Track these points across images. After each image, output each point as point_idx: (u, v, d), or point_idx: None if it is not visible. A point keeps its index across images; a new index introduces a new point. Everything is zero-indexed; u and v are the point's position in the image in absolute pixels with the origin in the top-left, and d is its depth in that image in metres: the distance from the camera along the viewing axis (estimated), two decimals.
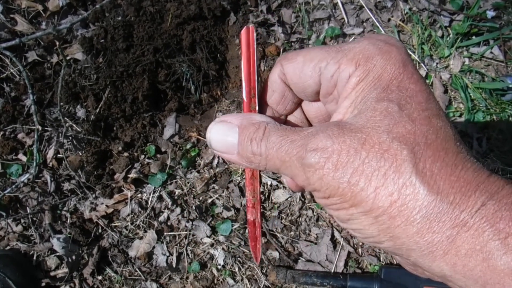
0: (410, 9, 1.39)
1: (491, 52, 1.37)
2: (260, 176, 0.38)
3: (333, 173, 0.28)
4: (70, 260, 1.25)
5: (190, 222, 1.28)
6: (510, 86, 1.29)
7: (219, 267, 1.26)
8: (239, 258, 1.26)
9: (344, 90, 0.32)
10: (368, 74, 0.30)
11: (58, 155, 1.31)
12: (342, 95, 0.32)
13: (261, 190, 1.30)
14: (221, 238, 1.26)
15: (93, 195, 1.29)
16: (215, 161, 1.32)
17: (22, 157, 1.31)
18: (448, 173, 0.26)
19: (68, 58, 1.33)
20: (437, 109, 0.29)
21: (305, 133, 0.30)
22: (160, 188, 1.30)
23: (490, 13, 1.36)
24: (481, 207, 0.24)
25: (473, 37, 1.37)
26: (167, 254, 1.26)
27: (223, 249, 1.26)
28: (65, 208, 1.29)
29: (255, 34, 0.35)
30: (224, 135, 0.34)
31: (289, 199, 1.30)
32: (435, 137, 0.27)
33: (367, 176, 0.27)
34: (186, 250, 1.27)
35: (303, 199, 1.30)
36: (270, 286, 1.24)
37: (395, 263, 1.24)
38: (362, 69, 0.31)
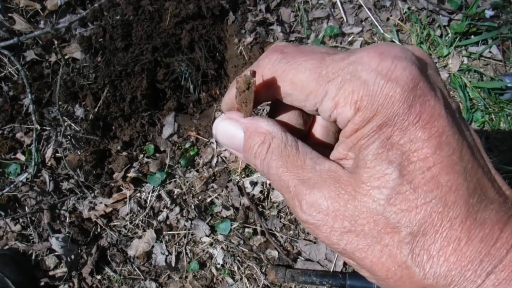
0: (409, 8, 1.39)
1: (490, 52, 1.37)
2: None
3: (328, 238, 0.27)
4: (69, 259, 1.24)
5: (189, 221, 1.28)
6: (509, 85, 1.30)
7: (218, 266, 1.26)
8: (238, 257, 1.26)
9: (344, 131, 0.29)
10: (368, 123, 0.26)
11: (57, 154, 1.30)
12: (342, 134, 0.29)
13: (260, 189, 1.30)
14: (220, 237, 1.27)
15: (92, 195, 1.29)
16: (214, 160, 1.32)
17: (21, 157, 1.30)
18: (448, 253, 0.24)
19: (66, 57, 1.33)
20: (449, 155, 0.25)
21: (304, 178, 0.28)
22: (159, 187, 1.30)
23: (489, 13, 1.36)
24: (480, 285, 0.24)
25: (472, 37, 1.38)
26: (166, 253, 1.26)
27: (222, 248, 1.26)
28: (64, 208, 1.29)
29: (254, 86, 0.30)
30: (230, 135, 0.32)
31: None
32: (442, 207, 0.25)
33: (363, 249, 0.26)
34: (185, 249, 1.27)
35: None
36: (269, 285, 1.24)
37: None
38: (361, 116, 0.26)
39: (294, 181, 0.29)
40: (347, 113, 0.27)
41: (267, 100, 0.34)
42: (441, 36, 1.38)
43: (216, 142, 0.36)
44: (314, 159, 0.29)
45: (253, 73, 0.31)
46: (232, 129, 0.32)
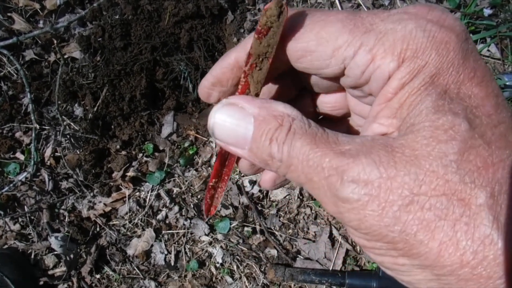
0: None
1: (488, 50, 1.37)
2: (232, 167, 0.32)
3: (379, 217, 0.21)
4: (68, 258, 1.24)
5: (188, 220, 1.28)
6: (507, 83, 1.30)
7: (218, 265, 1.26)
8: (237, 256, 1.26)
9: (383, 93, 0.24)
10: (418, 74, 0.22)
11: (56, 153, 1.31)
12: (380, 99, 0.24)
13: (259, 188, 1.30)
14: (219, 236, 1.27)
15: (91, 194, 1.29)
16: (213, 159, 1.32)
17: (20, 156, 1.31)
18: None
19: (65, 56, 1.33)
20: (509, 116, 0.22)
21: (341, 150, 0.23)
22: (158, 186, 1.30)
23: (487, 11, 1.37)
24: None
25: (470, 35, 1.38)
26: (165, 252, 1.26)
27: (221, 247, 1.26)
28: (63, 207, 1.29)
29: (286, 16, 0.25)
30: (233, 123, 0.25)
31: (287, 197, 1.30)
32: None
33: (429, 227, 0.20)
34: (185, 248, 1.27)
35: (301, 197, 1.30)
36: (268, 284, 1.24)
37: None
38: (409, 66, 0.22)
39: (329, 154, 0.22)
40: (387, 66, 0.23)
41: (280, 68, 0.28)
42: None
43: (211, 135, 0.28)
44: (349, 136, 0.24)
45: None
46: (236, 116, 0.25)
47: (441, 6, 0.22)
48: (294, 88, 0.33)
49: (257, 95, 0.28)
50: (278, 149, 0.24)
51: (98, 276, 1.26)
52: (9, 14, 1.33)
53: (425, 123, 0.22)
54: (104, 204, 1.28)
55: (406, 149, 0.22)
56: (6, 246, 1.26)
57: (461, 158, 0.21)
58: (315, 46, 0.25)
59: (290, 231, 1.28)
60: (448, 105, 0.22)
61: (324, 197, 0.23)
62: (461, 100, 0.22)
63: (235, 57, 0.28)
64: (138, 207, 1.29)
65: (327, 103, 0.33)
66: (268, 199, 1.31)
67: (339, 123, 0.34)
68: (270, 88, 0.33)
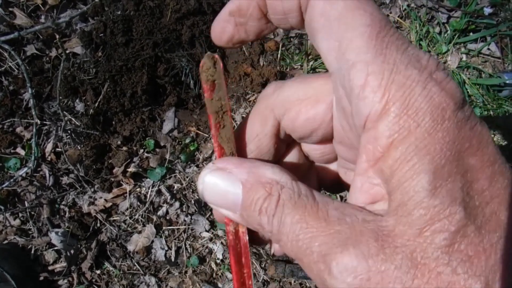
0: (408, 5, 1.40)
1: (488, 49, 1.38)
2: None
3: None
4: (68, 254, 1.24)
5: (189, 217, 1.28)
6: (507, 82, 1.31)
7: (218, 261, 1.26)
8: None
9: (370, 149, 0.22)
10: (408, 136, 0.20)
11: (57, 149, 1.30)
12: (368, 155, 0.22)
13: None
14: (220, 232, 1.27)
15: (92, 189, 1.29)
16: (214, 155, 1.32)
17: (21, 151, 1.30)
18: None
19: (67, 52, 1.33)
20: (505, 186, 0.21)
21: (331, 231, 0.22)
22: (159, 182, 1.30)
23: (487, 10, 1.37)
24: None
25: (471, 34, 1.39)
26: (166, 248, 1.26)
27: (222, 243, 1.26)
28: (63, 202, 1.29)
29: (221, 65, 0.26)
30: (222, 190, 0.25)
31: None
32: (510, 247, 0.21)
33: None
34: (185, 244, 1.27)
35: None
36: (269, 280, 1.24)
37: None
38: (397, 124, 0.20)
39: (319, 238, 0.22)
40: (373, 103, 0.21)
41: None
42: (440, 33, 1.39)
43: (203, 199, 0.27)
44: (340, 209, 0.23)
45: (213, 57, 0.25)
46: (224, 182, 0.25)
47: (447, 70, 0.21)
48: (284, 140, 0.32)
49: (232, 154, 0.28)
50: (268, 222, 0.23)
51: (98, 271, 1.26)
52: (10, 9, 1.33)
53: (420, 210, 0.20)
54: (105, 199, 1.28)
55: (397, 238, 0.21)
56: (6, 242, 1.26)
57: (452, 249, 0.20)
58: (307, 107, 0.26)
59: None
60: (446, 185, 0.20)
61: (314, 278, 0.22)
62: (459, 175, 0.21)
63: None
64: (138, 203, 1.29)
65: (316, 149, 0.31)
66: None
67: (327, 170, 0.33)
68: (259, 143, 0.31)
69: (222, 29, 0.27)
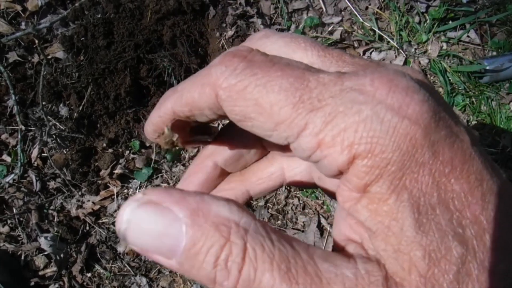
0: None
1: (468, 36, 1.39)
2: None
3: None
4: (58, 258, 1.24)
5: None
6: (488, 68, 1.32)
7: None
8: None
9: (346, 192, 0.20)
10: (381, 175, 0.18)
11: (43, 154, 1.31)
12: (345, 196, 0.20)
13: None
14: None
15: (79, 193, 1.29)
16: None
17: (7, 158, 1.31)
18: None
19: (49, 57, 1.33)
20: (496, 200, 0.19)
21: (320, 278, 0.18)
22: (146, 182, 1.30)
23: None
24: None
25: (450, 22, 1.40)
26: None
27: None
28: (51, 207, 1.29)
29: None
30: (155, 231, 0.18)
31: None
32: None
33: None
34: None
35: (288, 188, 1.31)
36: None
37: None
38: (365, 166, 0.19)
39: None
40: (336, 159, 0.19)
41: (213, 118, 0.24)
42: (419, 23, 1.40)
43: (125, 241, 0.19)
44: (328, 259, 0.19)
45: (174, 123, 0.22)
46: (160, 223, 0.18)
47: (405, 78, 0.17)
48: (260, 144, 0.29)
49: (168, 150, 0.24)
50: (229, 279, 0.17)
51: (89, 274, 1.26)
52: None
53: (416, 252, 0.18)
54: (93, 202, 1.29)
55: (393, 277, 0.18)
56: None
57: None
58: (255, 114, 0.20)
59: (279, 222, 1.29)
60: (433, 220, 0.18)
61: None
62: (445, 206, 0.18)
63: (171, 107, 0.24)
64: None
65: (288, 166, 0.28)
66: None
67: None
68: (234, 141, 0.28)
69: (154, 140, 0.26)
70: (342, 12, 1.40)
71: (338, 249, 0.22)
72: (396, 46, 1.36)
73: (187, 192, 0.19)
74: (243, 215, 0.18)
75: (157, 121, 0.24)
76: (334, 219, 0.23)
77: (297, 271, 0.17)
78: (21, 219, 1.28)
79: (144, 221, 0.18)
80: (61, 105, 1.33)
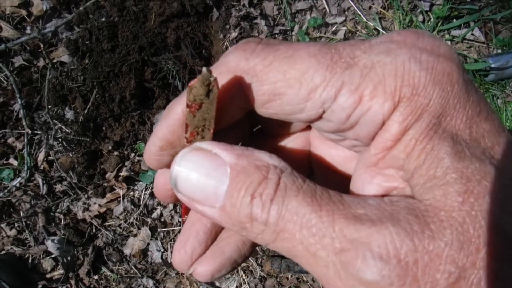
0: None
1: (472, 34, 1.38)
2: None
3: None
4: (65, 261, 1.25)
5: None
6: (493, 66, 1.31)
7: None
8: None
9: (380, 140, 0.20)
10: (422, 114, 0.18)
11: (49, 157, 1.31)
12: (377, 148, 0.20)
13: None
14: None
15: (86, 196, 1.30)
16: None
17: (13, 162, 1.31)
18: None
19: (54, 61, 1.34)
20: None
21: (354, 214, 0.18)
22: (151, 185, 1.31)
23: None
24: None
25: (454, 20, 1.39)
26: (162, 250, 1.27)
27: None
28: (58, 210, 1.30)
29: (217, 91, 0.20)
30: (203, 174, 0.20)
31: None
32: None
33: None
34: None
35: None
36: (265, 276, 1.25)
37: None
38: (409, 107, 0.19)
39: (340, 221, 0.17)
40: (381, 108, 0.19)
41: (237, 115, 0.23)
42: (423, 22, 1.40)
43: (175, 189, 0.21)
44: (356, 197, 0.19)
45: (210, 72, 0.20)
46: (207, 167, 0.20)
47: (429, 32, 0.19)
48: (247, 129, 0.28)
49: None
50: (263, 209, 0.18)
51: (96, 277, 1.26)
52: None
53: (452, 174, 0.17)
54: (99, 205, 1.29)
55: (439, 211, 0.17)
56: (3, 252, 1.27)
57: (504, 213, 0.17)
58: (285, 88, 0.20)
59: None
60: (468, 150, 0.18)
61: (335, 279, 0.17)
62: (476, 142, 0.19)
63: (182, 110, 0.22)
64: (132, 207, 1.29)
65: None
66: None
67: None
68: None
69: (158, 162, 0.24)
70: (346, 12, 1.40)
71: None
72: None
73: (233, 145, 0.21)
74: (281, 161, 0.20)
75: (164, 133, 0.23)
76: (353, 186, 0.23)
77: (322, 199, 0.18)
78: (28, 222, 1.29)
79: (192, 165, 0.20)
80: (66, 108, 1.34)
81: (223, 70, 0.21)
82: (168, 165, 0.24)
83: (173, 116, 0.23)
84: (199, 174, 0.20)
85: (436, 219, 0.17)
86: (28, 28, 1.37)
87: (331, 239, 0.17)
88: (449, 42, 1.39)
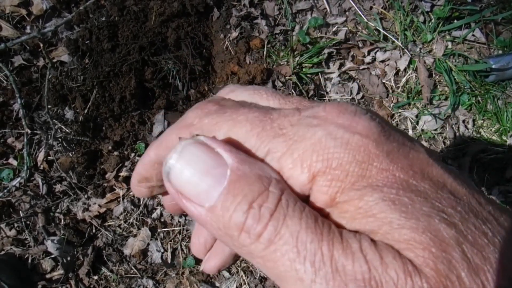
0: None
1: (473, 35, 1.38)
2: None
3: None
4: (65, 261, 1.25)
5: (183, 217, 1.28)
6: (493, 67, 1.31)
7: None
8: None
9: (314, 205, 0.21)
10: (341, 184, 0.19)
11: (49, 157, 1.31)
12: (317, 206, 0.21)
13: None
14: None
15: (85, 196, 1.30)
16: None
17: (13, 162, 1.31)
18: None
19: (54, 60, 1.33)
20: (464, 198, 0.20)
21: (353, 249, 0.18)
22: None
23: None
24: None
25: (455, 21, 1.39)
26: (162, 250, 1.27)
27: None
28: (58, 210, 1.30)
29: None
30: (199, 170, 0.19)
31: None
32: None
33: None
34: (181, 246, 1.27)
35: None
36: (265, 277, 1.24)
37: None
38: (326, 181, 0.19)
39: (338, 252, 0.18)
40: (297, 179, 0.20)
41: None
42: (424, 22, 1.40)
43: (166, 180, 0.21)
44: (356, 237, 0.19)
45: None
46: (206, 163, 0.19)
47: (353, 106, 0.21)
48: None
49: None
50: (259, 222, 0.18)
51: (95, 277, 1.26)
52: None
53: (403, 230, 0.18)
54: (99, 205, 1.29)
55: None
56: (2, 252, 1.26)
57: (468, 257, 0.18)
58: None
59: None
60: (414, 206, 0.18)
61: None
62: (421, 198, 0.19)
63: (154, 153, 0.26)
64: (132, 207, 1.29)
65: None
66: None
67: None
68: None
69: (139, 191, 0.28)
70: (347, 12, 1.40)
71: None
72: (401, 45, 1.35)
73: (237, 150, 0.21)
74: (282, 180, 0.20)
75: (140, 170, 0.27)
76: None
77: (323, 226, 0.18)
78: (28, 222, 1.28)
79: (193, 156, 0.20)
80: (66, 108, 1.33)
81: (182, 125, 0.24)
82: (148, 195, 0.28)
83: (147, 158, 0.26)
84: (196, 168, 0.20)
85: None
86: (28, 27, 1.36)
87: (328, 273, 0.17)
88: (449, 43, 1.39)
